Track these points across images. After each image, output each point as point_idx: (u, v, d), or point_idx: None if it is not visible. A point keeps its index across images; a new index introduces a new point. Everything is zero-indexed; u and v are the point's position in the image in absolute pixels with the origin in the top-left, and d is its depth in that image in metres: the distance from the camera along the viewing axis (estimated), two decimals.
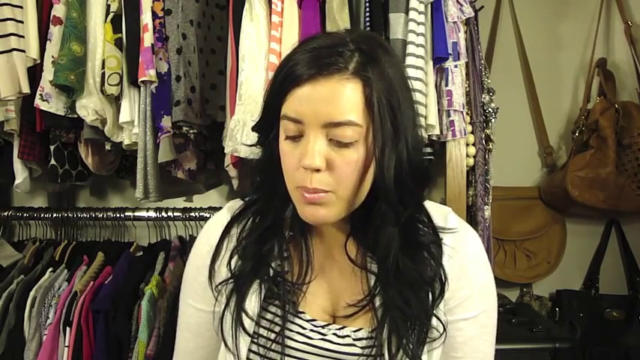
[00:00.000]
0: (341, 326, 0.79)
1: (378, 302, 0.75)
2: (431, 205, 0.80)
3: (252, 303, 0.78)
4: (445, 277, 0.75)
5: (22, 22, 1.42)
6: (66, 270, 1.60)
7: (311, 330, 0.79)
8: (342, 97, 0.69)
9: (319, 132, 0.70)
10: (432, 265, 0.75)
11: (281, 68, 0.74)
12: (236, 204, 0.86)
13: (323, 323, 0.79)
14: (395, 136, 0.71)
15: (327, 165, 0.70)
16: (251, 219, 0.82)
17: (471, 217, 1.48)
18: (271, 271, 0.79)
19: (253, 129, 0.81)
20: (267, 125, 0.77)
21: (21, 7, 1.42)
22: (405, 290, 0.73)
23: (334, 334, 0.78)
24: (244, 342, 0.78)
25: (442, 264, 0.76)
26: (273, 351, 0.78)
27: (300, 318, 0.80)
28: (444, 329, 0.75)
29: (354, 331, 0.78)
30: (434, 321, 0.75)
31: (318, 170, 0.70)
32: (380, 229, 0.73)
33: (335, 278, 0.82)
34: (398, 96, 0.72)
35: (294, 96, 0.70)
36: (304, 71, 0.70)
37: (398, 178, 0.71)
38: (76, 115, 1.41)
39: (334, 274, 0.82)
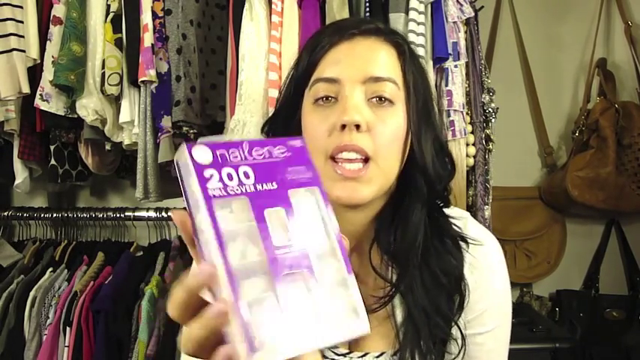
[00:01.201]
0: (363, 353, 0.73)
1: (400, 318, 0.70)
2: (448, 209, 0.77)
3: None
4: (467, 285, 0.71)
5: (22, 22, 1.42)
6: (66, 270, 1.60)
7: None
8: (382, 55, 0.69)
9: (358, 89, 0.67)
10: (456, 262, 0.71)
11: (312, 40, 0.72)
12: None
13: (344, 351, 0.74)
14: (428, 115, 0.71)
15: (367, 126, 0.66)
16: None
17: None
18: None
19: (269, 129, 0.77)
20: (290, 109, 0.74)
21: (21, 7, 1.42)
22: (431, 291, 0.70)
23: None
24: None
25: (463, 271, 0.72)
26: None
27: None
28: (463, 341, 0.71)
29: (377, 357, 0.73)
30: (454, 331, 0.71)
31: (357, 128, 0.65)
32: (410, 209, 0.70)
33: None
34: (427, 81, 0.72)
35: (330, 57, 0.69)
36: (342, 32, 0.69)
37: (432, 156, 0.71)
38: (76, 115, 1.42)
39: None
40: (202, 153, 0.40)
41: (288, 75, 0.76)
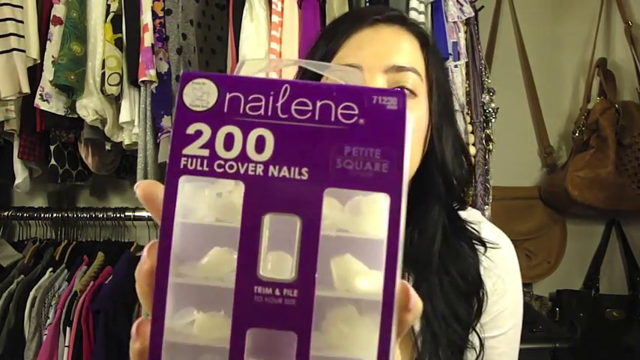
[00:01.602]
0: None
1: (417, 326, 0.67)
2: (464, 212, 0.76)
3: None
4: (485, 290, 0.69)
5: (22, 22, 1.42)
6: (66, 270, 1.60)
7: None
8: (405, 44, 0.66)
9: (380, 77, 0.64)
10: (475, 266, 0.69)
11: (331, 27, 0.69)
12: None
13: None
14: (451, 112, 0.69)
15: None
16: None
17: None
18: None
19: None
20: None
21: (21, 7, 1.42)
22: (449, 297, 0.67)
23: None
24: None
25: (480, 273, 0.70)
26: None
27: None
28: (482, 348, 0.69)
29: None
30: (472, 338, 0.68)
31: None
32: (428, 210, 0.68)
33: None
34: (447, 77, 0.71)
35: (351, 43, 0.66)
36: (364, 18, 0.66)
37: (452, 154, 0.69)
38: (76, 115, 1.42)
39: None
40: (200, 90, 0.25)
41: (316, 43, 0.72)
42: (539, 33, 2.13)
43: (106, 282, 1.51)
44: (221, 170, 0.24)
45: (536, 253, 2.05)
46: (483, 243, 0.71)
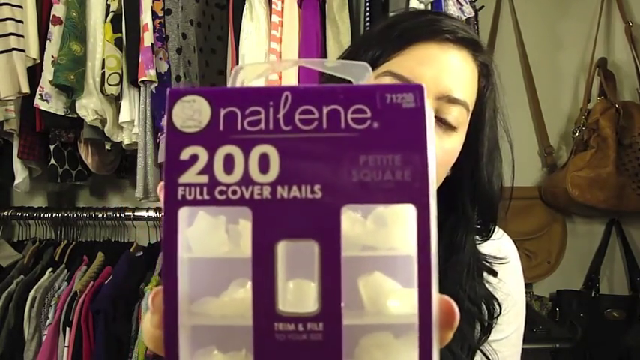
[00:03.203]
0: None
1: None
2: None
3: None
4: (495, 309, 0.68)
5: (22, 22, 1.42)
6: (66, 270, 1.60)
7: None
8: (468, 76, 0.61)
9: (428, 102, 0.62)
10: (488, 288, 0.68)
11: (393, 22, 0.63)
12: None
13: None
14: (497, 144, 0.66)
15: None
16: None
17: None
18: None
19: None
20: None
21: (21, 6, 1.42)
22: (461, 324, 0.65)
23: None
24: None
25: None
26: None
27: None
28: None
29: None
30: (478, 358, 0.67)
31: None
32: (462, 240, 0.65)
33: None
34: (497, 119, 0.66)
35: (414, 53, 0.59)
36: (435, 32, 0.59)
37: (497, 188, 0.66)
38: (76, 115, 1.41)
39: None
40: (191, 109, 0.22)
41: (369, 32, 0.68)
42: (540, 33, 2.13)
43: (106, 282, 1.50)
44: (223, 197, 0.22)
45: (536, 253, 2.05)
46: (494, 273, 0.69)
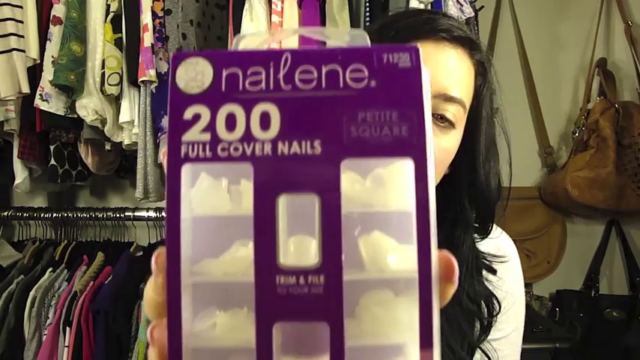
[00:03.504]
0: None
1: None
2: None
3: None
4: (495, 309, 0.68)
5: (22, 22, 1.42)
6: (66, 270, 1.60)
7: None
8: (465, 74, 0.62)
9: None
10: (488, 287, 0.68)
11: (389, 22, 0.64)
12: None
13: None
14: (494, 142, 0.67)
15: None
16: None
17: None
18: None
19: None
20: None
21: (21, 7, 1.42)
22: (459, 324, 0.65)
23: None
24: None
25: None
26: None
27: None
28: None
29: None
30: (477, 356, 0.67)
31: None
32: (460, 240, 0.65)
33: None
34: (494, 117, 0.67)
35: None
36: (431, 30, 0.60)
37: (495, 187, 0.67)
38: (76, 115, 1.42)
39: None
40: (194, 70, 0.23)
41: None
42: (539, 33, 2.13)
43: (106, 282, 1.50)
44: (225, 154, 0.22)
45: (536, 253, 2.05)
46: (494, 271, 0.69)
